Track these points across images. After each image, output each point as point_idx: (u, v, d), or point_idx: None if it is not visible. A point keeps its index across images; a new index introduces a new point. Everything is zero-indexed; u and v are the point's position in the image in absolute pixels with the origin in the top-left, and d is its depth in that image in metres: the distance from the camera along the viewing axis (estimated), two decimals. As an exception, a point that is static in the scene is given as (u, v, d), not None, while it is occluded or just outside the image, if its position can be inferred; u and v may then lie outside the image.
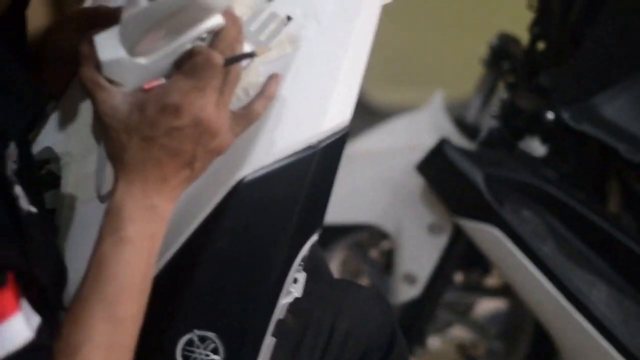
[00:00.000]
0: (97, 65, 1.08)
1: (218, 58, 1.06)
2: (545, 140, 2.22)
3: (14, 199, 0.99)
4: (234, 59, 1.10)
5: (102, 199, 1.18)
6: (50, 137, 1.28)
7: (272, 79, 1.16)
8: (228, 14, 1.09)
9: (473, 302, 2.72)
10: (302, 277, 1.26)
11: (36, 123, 1.25)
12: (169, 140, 1.06)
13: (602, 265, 2.06)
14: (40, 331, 0.97)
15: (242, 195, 1.19)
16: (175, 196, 1.10)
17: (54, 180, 1.26)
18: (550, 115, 2.13)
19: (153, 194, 1.07)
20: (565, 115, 2.09)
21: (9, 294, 0.94)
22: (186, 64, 1.06)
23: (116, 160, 1.08)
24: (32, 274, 1.01)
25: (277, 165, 1.19)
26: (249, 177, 1.19)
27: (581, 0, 2.13)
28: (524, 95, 2.25)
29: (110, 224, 1.06)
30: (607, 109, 2.09)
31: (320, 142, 1.21)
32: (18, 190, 1.02)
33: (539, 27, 2.30)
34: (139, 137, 1.06)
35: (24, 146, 1.13)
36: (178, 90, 1.05)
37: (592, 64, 2.11)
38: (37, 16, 1.18)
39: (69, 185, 1.26)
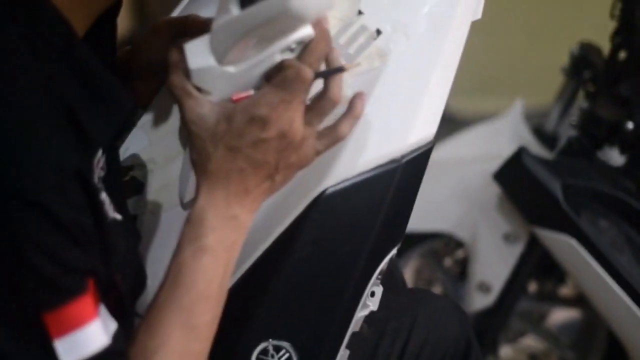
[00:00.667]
0: (186, 73, 1.09)
1: (308, 72, 1.06)
2: (624, 150, 2.20)
3: (100, 206, 1.00)
4: (324, 73, 1.10)
5: (184, 206, 1.20)
6: (135, 144, 1.29)
7: (359, 98, 1.14)
8: (318, 26, 1.08)
9: (547, 312, 2.70)
10: (379, 290, 1.26)
11: (124, 131, 1.26)
12: (254, 151, 1.06)
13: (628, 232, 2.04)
14: (116, 337, 0.98)
15: (323, 207, 1.19)
16: (255, 207, 1.10)
17: (138, 187, 1.27)
18: (630, 125, 2.11)
19: (235, 204, 1.08)
20: (646, 124, 2.07)
21: (88, 300, 0.94)
22: (276, 77, 1.06)
23: (200, 169, 1.09)
24: (112, 280, 1.03)
25: (360, 178, 1.19)
26: (332, 189, 1.19)
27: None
28: (604, 105, 2.23)
29: (191, 232, 1.07)
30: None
31: (404, 156, 1.20)
32: (104, 197, 1.04)
33: (621, 36, 2.27)
34: (225, 147, 1.07)
35: (112, 153, 1.14)
36: (266, 102, 1.05)
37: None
38: (120, 23, 1.19)
39: (152, 192, 1.27)
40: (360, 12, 1.22)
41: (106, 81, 1.03)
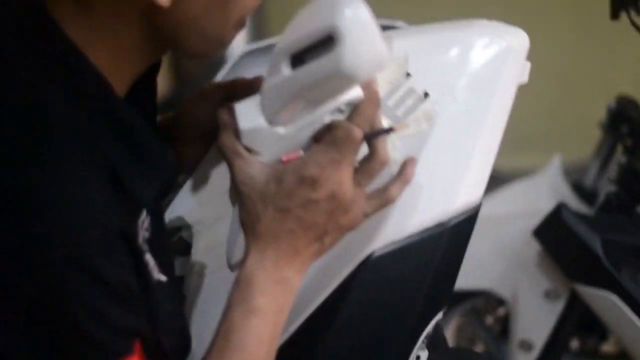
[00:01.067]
0: (237, 134, 1.10)
1: (358, 133, 1.06)
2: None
3: (145, 267, 1.01)
4: (373, 134, 1.11)
5: (232, 267, 1.19)
6: (183, 205, 1.29)
7: (409, 163, 1.15)
8: (368, 88, 1.10)
9: (590, 369, 2.67)
10: (424, 355, 1.25)
11: (168, 193, 1.27)
12: (304, 212, 1.06)
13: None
14: None
15: (371, 270, 1.18)
16: (304, 269, 1.10)
17: (185, 248, 1.28)
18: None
19: (284, 266, 1.08)
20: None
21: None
22: (325, 137, 1.07)
23: (249, 230, 1.09)
24: (157, 341, 1.02)
25: (407, 242, 1.18)
26: (379, 252, 1.18)
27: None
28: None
29: (240, 293, 1.07)
30: None
31: (451, 219, 1.19)
32: (148, 258, 1.04)
33: (658, 90, 2.27)
34: (275, 208, 1.07)
35: (156, 214, 1.14)
36: (316, 163, 1.05)
37: None
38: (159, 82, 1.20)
39: (199, 252, 1.27)
40: (408, 75, 1.22)
41: (148, 142, 1.03)
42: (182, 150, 1.27)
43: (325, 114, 1.09)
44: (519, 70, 1.25)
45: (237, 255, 1.16)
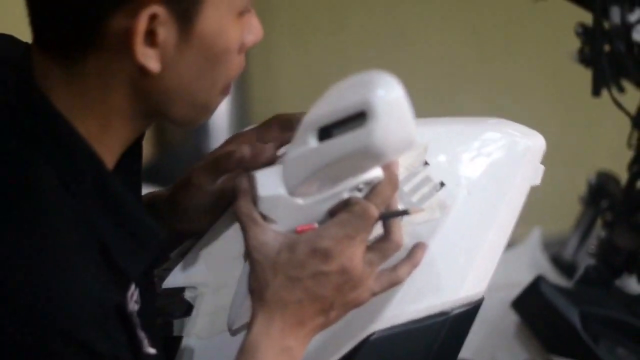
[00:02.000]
0: (254, 200, 1.11)
1: (374, 212, 1.08)
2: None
3: (138, 342, 1.02)
4: (389, 215, 1.13)
5: (233, 332, 1.20)
6: (191, 265, 1.30)
7: (420, 247, 1.16)
8: (388, 169, 1.12)
9: None
10: None
11: (157, 265, 1.27)
12: (313, 283, 1.08)
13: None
14: None
15: (369, 350, 1.19)
16: (307, 341, 1.11)
17: (187, 309, 1.28)
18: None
19: (289, 336, 1.09)
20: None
21: None
22: (342, 212, 1.09)
23: (258, 296, 1.10)
24: None
25: (407, 327, 1.20)
26: (379, 334, 1.19)
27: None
28: (622, 234, 2.24)
29: (244, 359, 1.09)
30: None
31: (453, 309, 1.21)
32: (139, 332, 1.04)
33: (639, 165, 2.29)
34: (284, 276, 1.08)
35: (145, 285, 1.15)
36: (330, 236, 1.07)
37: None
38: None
39: (200, 315, 1.27)
40: (426, 163, 1.24)
41: (136, 216, 1.05)
42: (185, 226, 1.28)
43: (345, 190, 1.11)
44: (533, 172, 1.28)
45: (239, 320, 1.18)
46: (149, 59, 1.00)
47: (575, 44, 2.20)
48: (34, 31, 1.04)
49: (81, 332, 0.92)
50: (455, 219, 1.22)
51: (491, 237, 1.24)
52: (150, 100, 1.05)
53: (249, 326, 1.10)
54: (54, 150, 1.00)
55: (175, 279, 1.29)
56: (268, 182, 1.12)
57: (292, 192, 1.11)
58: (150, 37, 0.99)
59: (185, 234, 1.30)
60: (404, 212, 1.15)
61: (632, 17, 2.10)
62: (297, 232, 1.11)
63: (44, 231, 0.94)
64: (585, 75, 2.17)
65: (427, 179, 1.23)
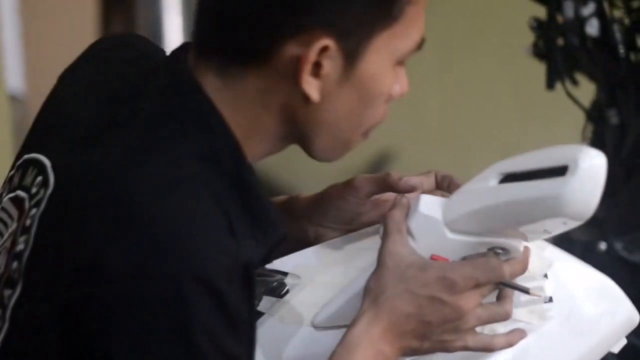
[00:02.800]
0: (408, 215, 1.14)
1: (506, 272, 1.12)
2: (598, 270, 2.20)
3: (254, 301, 1.06)
4: (512, 285, 1.15)
5: (316, 327, 1.22)
6: (304, 257, 1.32)
7: (520, 331, 1.19)
8: (525, 252, 1.15)
9: None
10: None
11: (271, 260, 1.26)
12: (428, 305, 1.10)
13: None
14: None
15: None
16: (398, 355, 1.13)
17: (280, 290, 1.29)
18: (602, 246, 2.12)
19: (387, 342, 1.11)
20: (618, 246, 2.08)
21: None
22: (478, 259, 1.12)
23: (372, 297, 1.12)
24: None
25: None
26: None
27: (634, 133, 2.15)
28: (577, 227, 2.25)
29: (342, 353, 1.11)
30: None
31: None
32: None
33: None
34: (405, 288, 1.10)
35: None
36: (462, 272, 1.10)
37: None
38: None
39: (292, 301, 1.28)
40: (546, 276, 1.25)
41: (265, 206, 1.08)
42: (312, 230, 1.30)
43: (488, 244, 1.13)
44: (616, 341, 1.31)
45: (328, 321, 1.21)
46: (312, 88, 1.04)
47: (530, 39, 2.22)
48: (199, 35, 1.09)
49: (213, 277, 0.96)
50: (545, 335, 1.25)
51: None
52: (298, 127, 1.09)
53: (353, 322, 1.12)
54: (202, 134, 1.04)
55: (285, 262, 1.30)
56: (430, 204, 1.14)
57: (446, 222, 1.13)
58: (316, 68, 1.03)
59: (301, 243, 1.32)
60: (525, 289, 1.17)
61: (586, 11, 2.13)
62: (432, 258, 1.13)
63: (185, 190, 0.99)
64: (541, 71, 2.20)
65: (540, 289, 1.24)
